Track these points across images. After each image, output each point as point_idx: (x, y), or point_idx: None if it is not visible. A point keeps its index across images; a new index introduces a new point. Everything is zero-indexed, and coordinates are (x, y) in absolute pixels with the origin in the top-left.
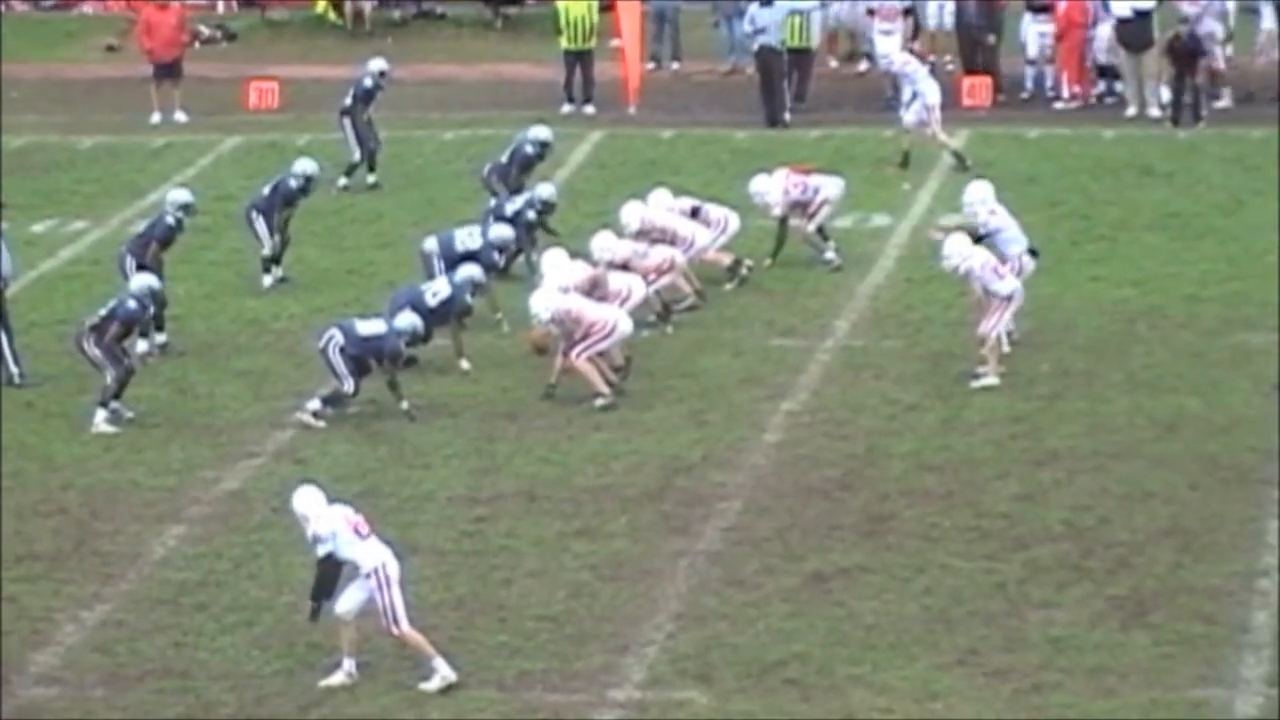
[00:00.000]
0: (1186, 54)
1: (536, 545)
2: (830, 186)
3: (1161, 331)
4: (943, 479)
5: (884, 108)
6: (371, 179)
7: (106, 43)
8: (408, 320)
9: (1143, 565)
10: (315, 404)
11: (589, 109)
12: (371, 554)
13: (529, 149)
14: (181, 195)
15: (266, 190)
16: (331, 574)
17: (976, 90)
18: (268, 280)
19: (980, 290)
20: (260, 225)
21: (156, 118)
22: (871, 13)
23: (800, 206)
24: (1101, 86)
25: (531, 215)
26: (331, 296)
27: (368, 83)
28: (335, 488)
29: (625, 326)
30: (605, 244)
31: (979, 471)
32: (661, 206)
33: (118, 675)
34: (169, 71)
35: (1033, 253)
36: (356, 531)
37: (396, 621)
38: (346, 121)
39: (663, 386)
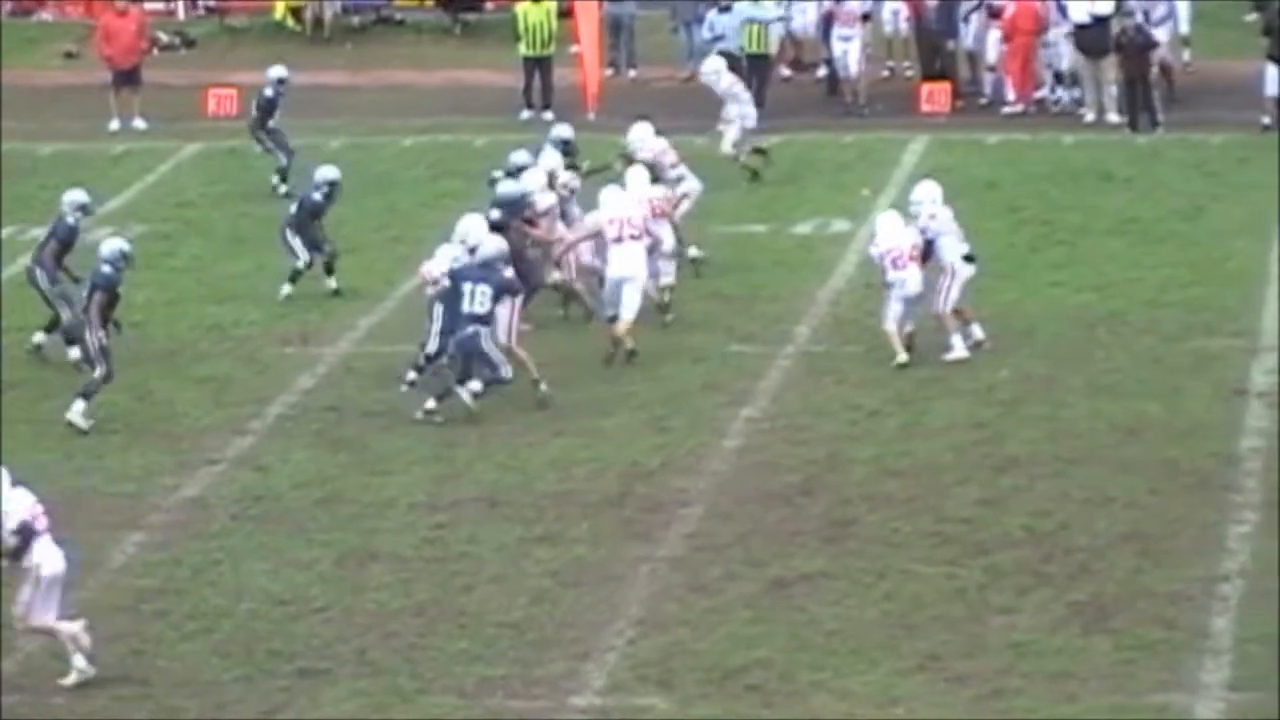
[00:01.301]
0: (1135, 49)
1: (498, 551)
2: (693, 181)
3: (1122, 337)
4: (904, 484)
5: (843, 113)
6: (283, 189)
7: (65, 49)
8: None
9: (1103, 570)
10: (476, 385)
11: (548, 115)
12: (37, 550)
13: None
14: (78, 195)
15: (294, 208)
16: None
17: (935, 96)
18: (287, 289)
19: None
20: (295, 242)
21: (116, 124)
22: (830, 17)
23: (657, 169)
24: (1060, 93)
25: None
26: (292, 303)
27: (269, 92)
28: (296, 494)
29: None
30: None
31: (940, 477)
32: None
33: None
34: (128, 78)
35: (969, 258)
36: (34, 523)
37: (26, 617)
38: (262, 135)
39: (624, 392)
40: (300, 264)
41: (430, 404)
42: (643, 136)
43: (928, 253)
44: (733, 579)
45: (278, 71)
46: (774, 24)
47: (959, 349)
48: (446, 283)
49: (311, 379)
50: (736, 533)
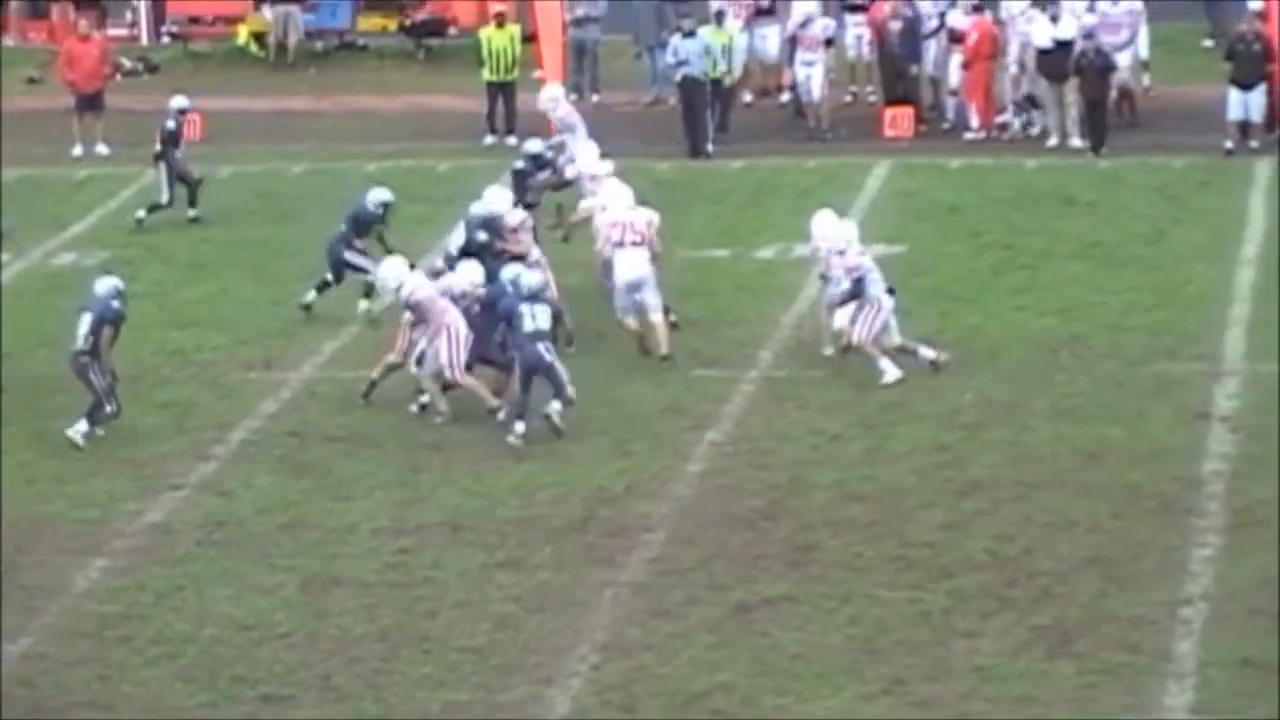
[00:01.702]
0: (1095, 72)
1: (461, 577)
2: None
3: (1085, 361)
4: (867, 509)
5: (806, 138)
6: (193, 213)
7: (28, 75)
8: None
9: (1067, 594)
10: (558, 406)
11: (511, 140)
12: None
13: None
14: None
15: (344, 225)
16: None
17: (898, 121)
18: (310, 296)
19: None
20: (359, 259)
21: (79, 150)
22: (793, 39)
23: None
24: (1024, 117)
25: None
26: (255, 328)
27: (169, 124)
28: (259, 519)
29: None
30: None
31: (903, 501)
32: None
33: (41, 708)
34: (91, 103)
35: (890, 291)
36: None
37: None
38: (162, 165)
39: (586, 417)
40: (371, 276)
41: (520, 428)
42: (555, 96)
43: (857, 289)
44: (696, 603)
45: (179, 102)
46: (737, 49)
47: (891, 371)
48: (478, 295)
49: (275, 404)
50: (700, 557)
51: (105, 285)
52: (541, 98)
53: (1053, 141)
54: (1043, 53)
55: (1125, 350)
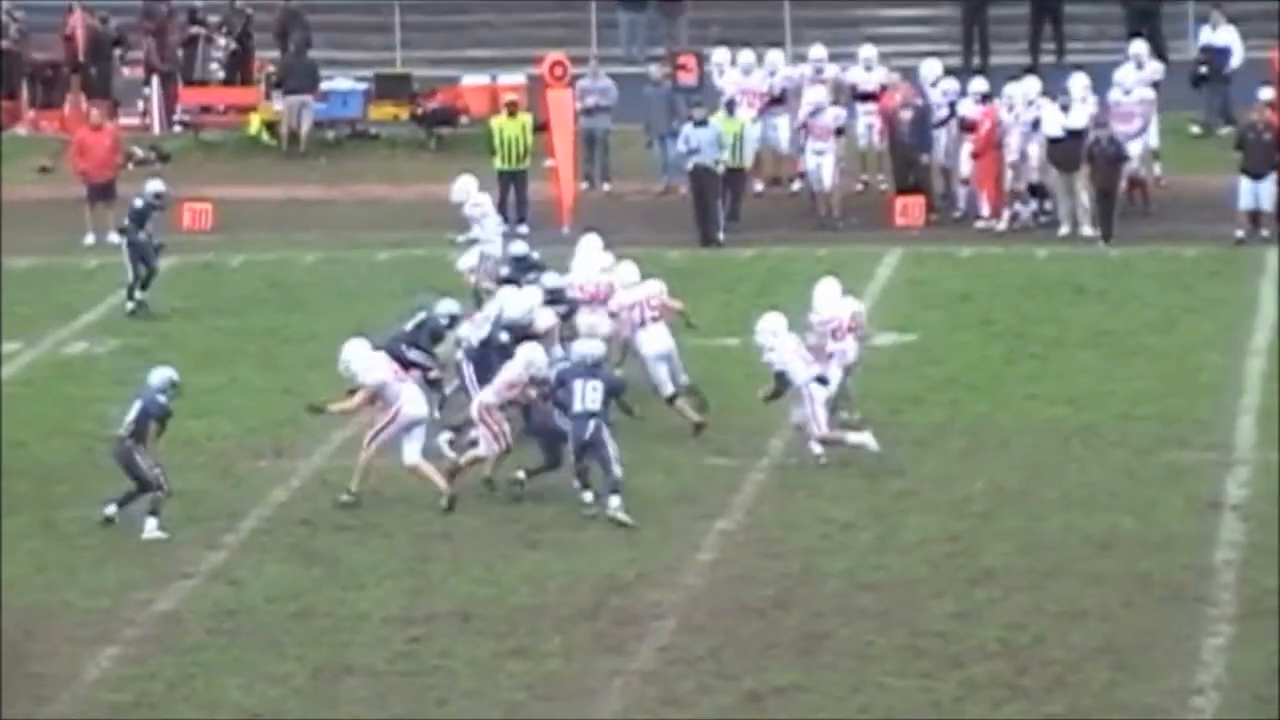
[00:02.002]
0: (1107, 161)
1: (471, 665)
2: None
3: (1096, 449)
4: (878, 597)
5: (817, 226)
6: (136, 299)
7: (40, 164)
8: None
9: (1078, 683)
10: (617, 501)
11: (523, 229)
12: None
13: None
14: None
15: (409, 327)
16: None
17: (909, 209)
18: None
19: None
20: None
21: (90, 239)
22: (804, 128)
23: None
24: (1033, 205)
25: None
26: (265, 416)
27: (138, 203)
28: (270, 608)
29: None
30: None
31: (914, 590)
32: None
33: None
34: (103, 193)
35: (821, 380)
36: None
37: None
38: (124, 242)
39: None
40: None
41: (589, 496)
42: (465, 188)
43: (780, 386)
44: (706, 692)
45: (154, 186)
46: (749, 138)
47: (868, 441)
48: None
49: (285, 492)
50: (710, 646)
51: (159, 377)
52: (455, 188)
53: (1064, 230)
54: (1053, 141)
55: (1136, 439)
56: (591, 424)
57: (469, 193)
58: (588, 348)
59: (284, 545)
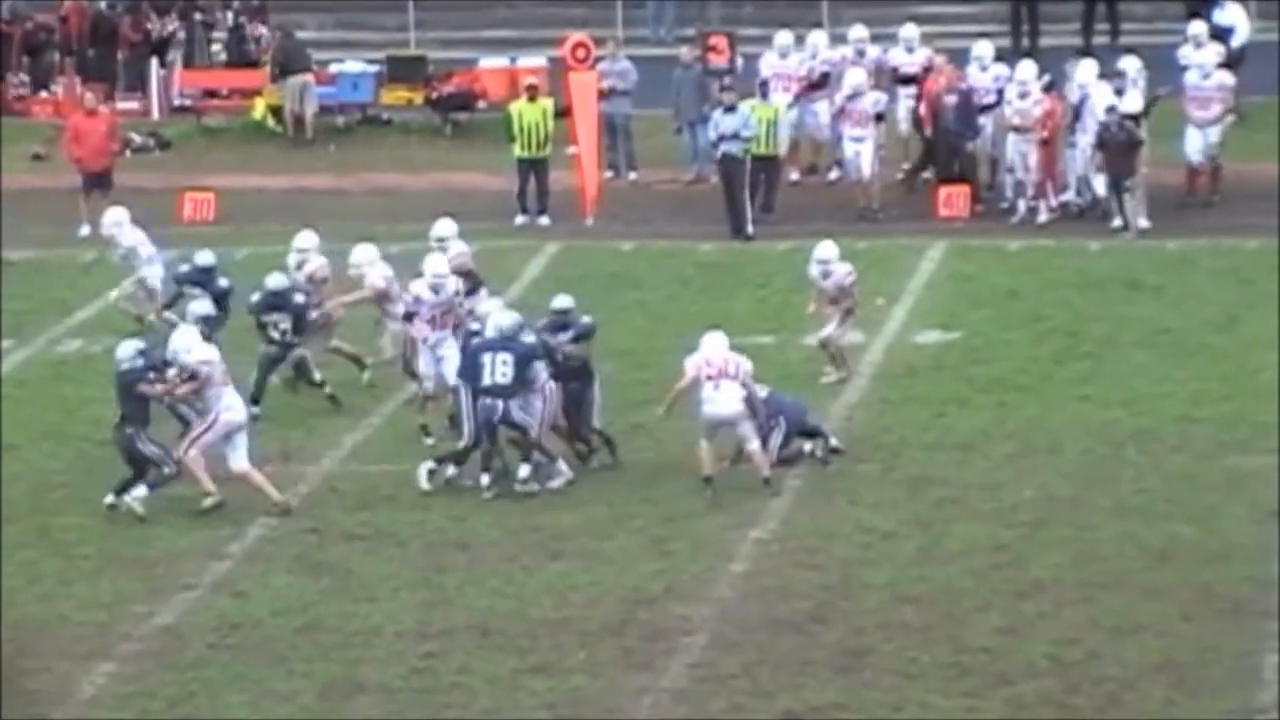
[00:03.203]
0: (1120, 147)
1: (490, 683)
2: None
3: (1152, 455)
4: (921, 611)
5: (857, 218)
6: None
7: (33, 151)
8: None
9: (1134, 702)
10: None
11: (544, 220)
12: None
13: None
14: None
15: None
16: None
17: (954, 200)
18: None
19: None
20: None
21: (85, 230)
22: (841, 113)
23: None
24: (1087, 197)
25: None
26: (272, 419)
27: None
28: (276, 622)
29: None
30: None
31: (959, 603)
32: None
33: None
34: (98, 181)
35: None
36: None
37: None
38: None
39: (623, 514)
40: None
41: (485, 479)
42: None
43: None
44: (739, 711)
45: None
46: (783, 124)
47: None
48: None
49: (292, 499)
50: (743, 662)
51: (123, 350)
52: (105, 222)
53: (1117, 223)
54: (1106, 128)
55: (1195, 443)
56: (500, 405)
57: (123, 225)
58: (504, 318)
59: (291, 555)
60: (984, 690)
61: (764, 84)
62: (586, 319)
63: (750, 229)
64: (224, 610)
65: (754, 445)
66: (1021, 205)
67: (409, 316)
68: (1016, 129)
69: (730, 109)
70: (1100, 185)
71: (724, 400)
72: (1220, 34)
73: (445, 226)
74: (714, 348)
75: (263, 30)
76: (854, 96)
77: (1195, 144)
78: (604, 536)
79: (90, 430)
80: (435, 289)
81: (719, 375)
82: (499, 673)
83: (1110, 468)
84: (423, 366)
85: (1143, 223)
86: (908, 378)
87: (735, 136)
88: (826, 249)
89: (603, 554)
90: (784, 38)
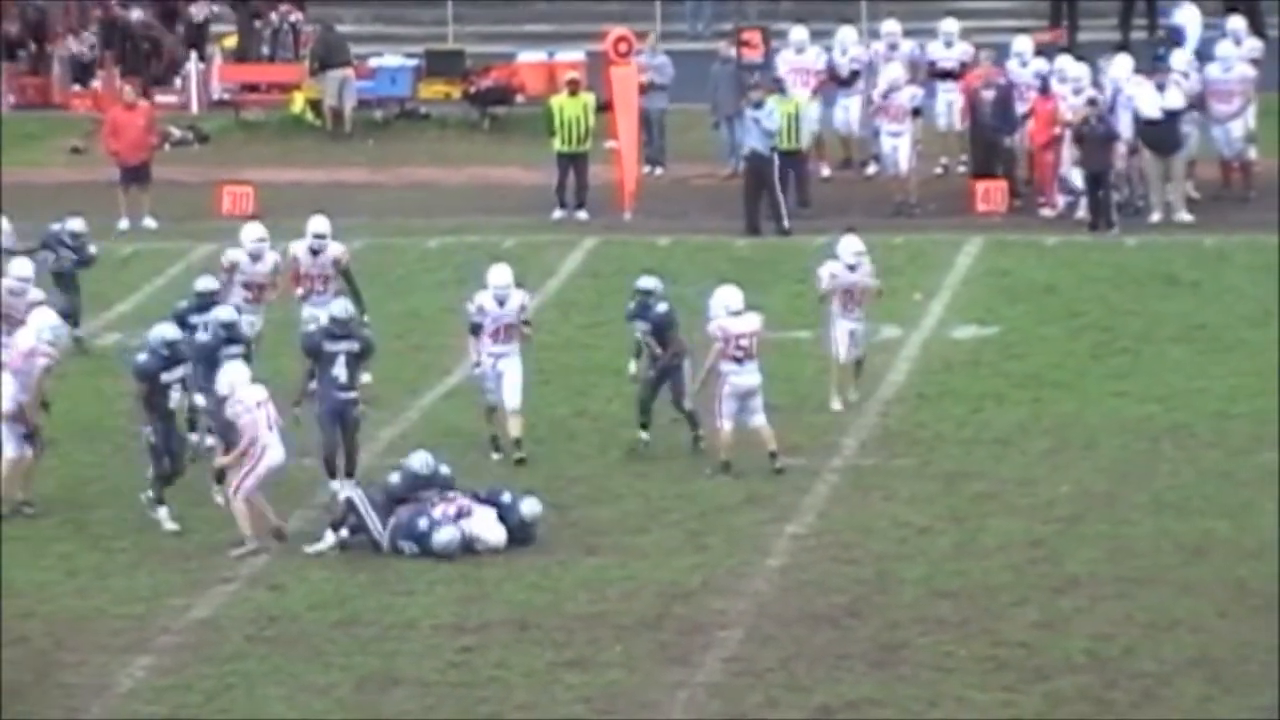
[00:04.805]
0: (1098, 141)
1: (527, 676)
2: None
3: (1188, 450)
4: (957, 606)
5: (893, 213)
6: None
7: (71, 144)
8: None
9: (1170, 698)
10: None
11: (582, 215)
12: None
13: None
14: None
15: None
16: None
17: (991, 195)
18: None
19: None
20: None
21: (124, 224)
22: (879, 109)
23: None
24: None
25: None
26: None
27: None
28: (313, 615)
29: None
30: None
31: (996, 598)
32: None
33: None
34: (136, 175)
35: None
36: None
37: None
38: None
39: (659, 508)
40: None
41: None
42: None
43: None
44: (775, 706)
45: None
46: (805, 118)
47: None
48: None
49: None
50: (779, 657)
51: (152, 333)
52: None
53: (1155, 217)
54: (1149, 124)
55: (1231, 439)
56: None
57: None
58: (338, 309)
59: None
60: (1020, 685)
61: (779, 79)
62: (662, 307)
63: (786, 222)
64: (261, 603)
65: (763, 419)
66: (1061, 200)
67: (475, 329)
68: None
69: (758, 104)
70: (1078, 179)
71: (749, 372)
72: (1173, 34)
73: (321, 223)
74: (736, 319)
75: (299, 17)
76: (890, 92)
77: (1220, 138)
78: (640, 531)
79: (128, 424)
80: (500, 300)
81: (745, 357)
82: (535, 667)
83: (1146, 463)
84: (488, 380)
85: (1185, 216)
86: (944, 373)
87: (762, 132)
88: (858, 243)
89: (639, 549)
90: (799, 33)
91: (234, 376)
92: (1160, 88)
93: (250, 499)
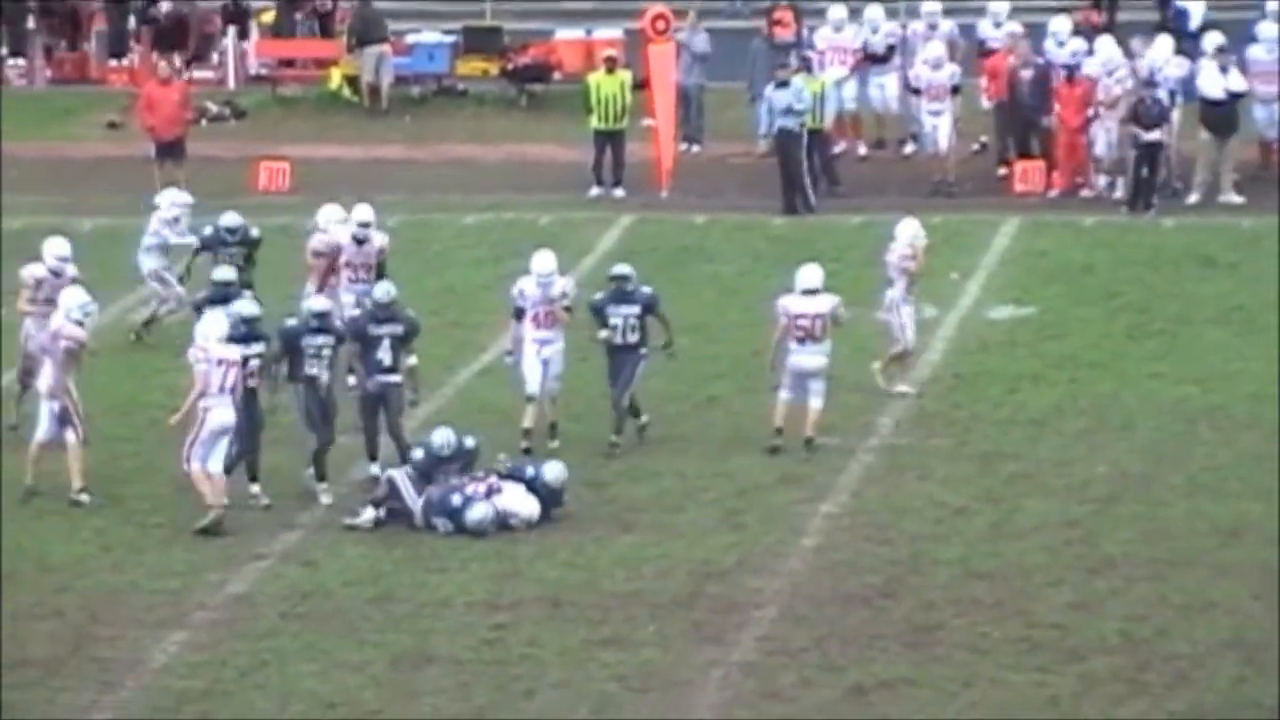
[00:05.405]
0: (1151, 121)
1: (560, 655)
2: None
3: (1224, 432)
4: (992, 587)
5: (931, 192)
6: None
7: (108, 119)
8: None
9: (1203, 679)
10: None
11: (618, 192)
12: None
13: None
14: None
15: None
16: None
17: (1029, 175)
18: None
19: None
20: None
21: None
22: (917, 92)
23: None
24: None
25: None
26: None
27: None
28: (347, 592)
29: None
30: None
31: (1030, 579)
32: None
33: None
34: (171, 151)
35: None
36: None
37: None
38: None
39: (694, 487)
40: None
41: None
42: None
43: None
44: (809, 685)
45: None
46: (829, 98)
47: None
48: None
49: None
50: (813, 636)
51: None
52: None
53: (1193, 199)
54: (1212, 104)
55: (1267, 421)
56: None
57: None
58: (381, 292)
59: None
60: (1054, 666)
61: (807, 59)
62: (647, 289)
63: (813, 200)
64: (295, 580)
65: (817, 403)
66: (1102, 181)
67: (518, 313)
68: (1104, 106)
69: (783, 84)
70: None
71: (808, 353)
72: (1178, 17)
73: (366, 211)
74: (798, 299)
75: None
76: (932, 69)
77: (1262, 119)
78: (675, 509)
79: (163, 399)
80: (543, 286)
81: (806, 338)
82: (569, 645)
83: (1182, 445)
84: (527, 367)
85: (1236, 198)
86: (980, 353)
87: (789, 111)
88: (916, 226)
89: (674, 527)
90: (838, 11)
91: (209, 327)
92: (1223, 70)
93: (208, 472)
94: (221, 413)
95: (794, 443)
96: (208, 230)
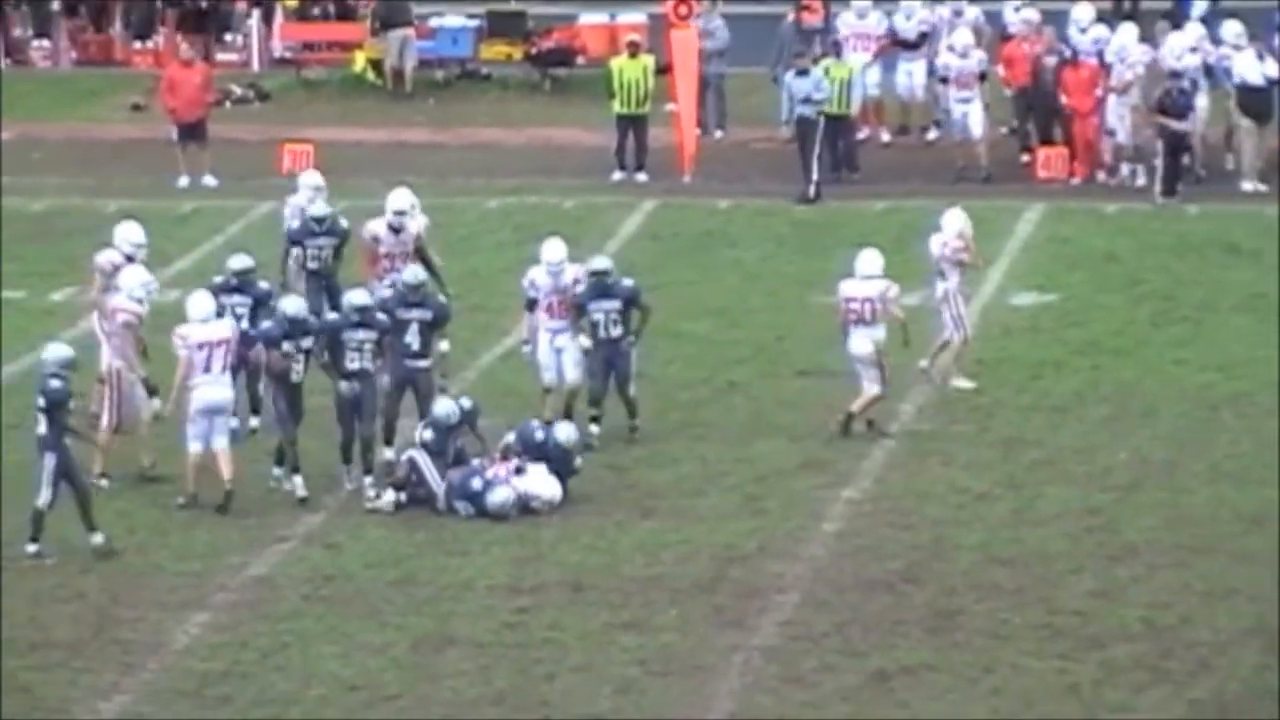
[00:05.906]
0: (1178, 110)
1: (582, 638)
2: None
3: (1248, 420)
4: (1013, 573)
5: (955, 179)
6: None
7: (133, 101)
8: None
9: (1226, 667)
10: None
11: (641, 177)
12: None
13: None
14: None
15: None
16: None
17: (1052, 161)
18: None
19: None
20: None
21: (184, 181)
22: (945, 80)
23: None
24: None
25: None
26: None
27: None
28: (369, 574)
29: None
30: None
31: (1052, 566)
32: None
33: None
34: (193, 133)
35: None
36: None
37: None
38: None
39: (716, 472)
40: None
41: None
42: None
43: None
44: (830, 670)
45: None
46: (856, 84)
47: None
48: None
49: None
50: (835, 621)
51: (53, 354)
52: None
53: (1247, 186)
54: (1251, 90)
55: None
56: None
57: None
58: (410, 275)
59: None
60: (1076, 653)
61: (837, 43)
62: (628, 281)
63: (813, 191)
64: (317, 562)
65: (876, 390)
66: (1124, 169)
67: (531, 304)
68: (1116, 91)
69: (803, 72)
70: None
71: (857, 336)
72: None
73: (401, 199)
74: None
75: None
76: (959, 56)
77: None
78: (696, 494)
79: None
80: (554, 275)
81: (857, 321)
82: (590, 629)
83: (1205, 432)
84: (542, 356)
85: (1262, 185)
86: (1003, 339)
87: (808, 100)
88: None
89: (695, 512)
90: None
91: (191, 310)
92: (1260, 56)
93: (213, 450)
94: (207, 390)
95: (814, 428)
96: (295, 223)
